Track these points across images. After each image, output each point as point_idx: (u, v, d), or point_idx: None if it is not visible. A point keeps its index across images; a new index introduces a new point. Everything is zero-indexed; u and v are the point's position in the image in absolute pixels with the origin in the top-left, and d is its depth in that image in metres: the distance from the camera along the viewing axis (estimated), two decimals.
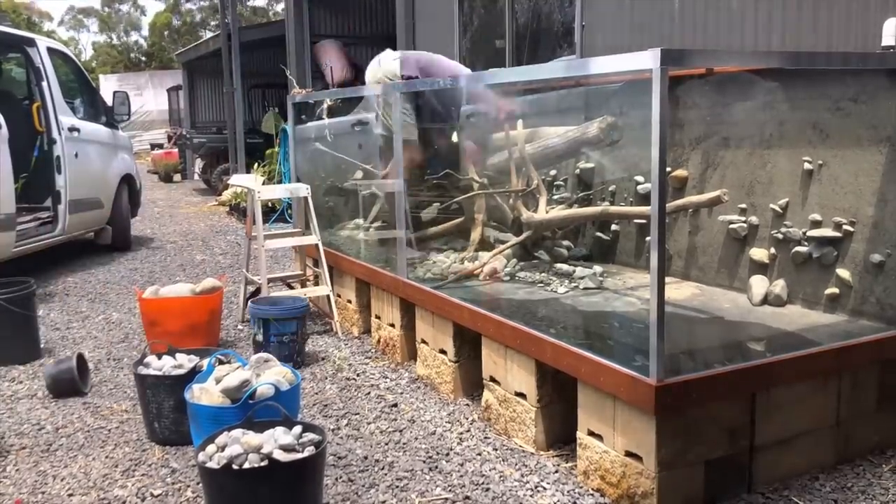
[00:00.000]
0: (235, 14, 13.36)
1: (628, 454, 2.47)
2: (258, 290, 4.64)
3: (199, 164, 15.59)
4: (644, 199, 3.84)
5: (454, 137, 4.73)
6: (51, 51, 6.89)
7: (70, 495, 2.68)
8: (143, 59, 46.16)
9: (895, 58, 3.20)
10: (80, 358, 3.70)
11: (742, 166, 3.53)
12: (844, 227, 3.07)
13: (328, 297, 4.61)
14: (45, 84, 6.54)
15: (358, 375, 3.81)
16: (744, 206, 3.49)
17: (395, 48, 9.03)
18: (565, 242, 4.26)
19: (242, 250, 7.69)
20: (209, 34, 28.65)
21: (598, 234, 4.25)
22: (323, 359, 4.09)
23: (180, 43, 37.39)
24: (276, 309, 3.99)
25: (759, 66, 3.27)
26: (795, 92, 3.29)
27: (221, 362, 3.03)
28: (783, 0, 3.84)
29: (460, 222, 4.43)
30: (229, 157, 13.10)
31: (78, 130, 6.80)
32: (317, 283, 5.12)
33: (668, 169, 3.64)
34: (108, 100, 7.98)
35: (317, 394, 3.56)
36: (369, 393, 3.52)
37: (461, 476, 2.71)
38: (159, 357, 3.25)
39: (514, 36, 6.68)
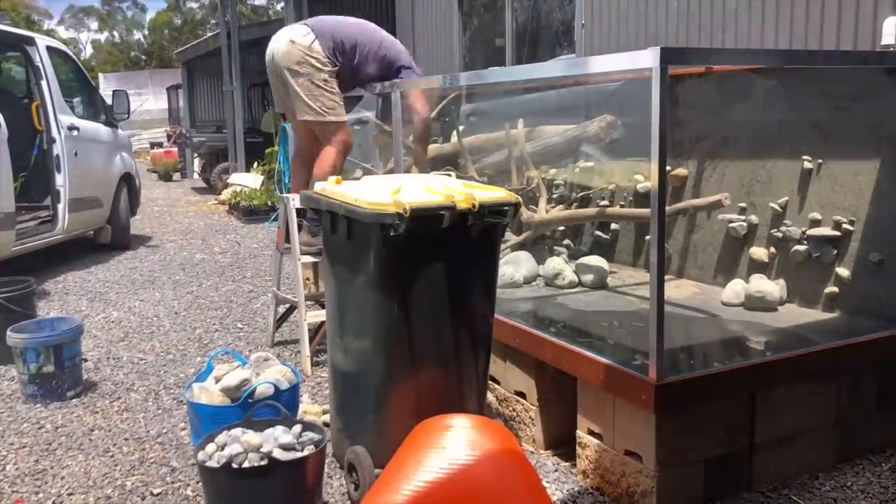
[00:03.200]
0: (235, 13, 13.36)
1: (628, 453, 2.47)
2: (291, 310, 4.27)
3: (198, 162, 15.59)
4: (644, 198, 3.84)
5: (454, 136, 4.73)
6: (50, 49, 6.89)
7: (70, 494, 2.68)
8: (143, 57, 46.17)
9: (895, 56, 3.20)
10: None
11: (742, 165, 3.53)
12: (844, 225, 3.08)
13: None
14: (44, 83, 6.54)
15: None
16: (743, 204, 3.49)
17: None
18: (565, 242, 4.26)
19: (240, 255, 7.69)
20: (209, 33, 28.67)
21: (598, 233, 4.25)
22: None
23: (180, 42, 37.40)
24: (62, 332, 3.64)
25: (759, 64, 3.27)
26: (795, 90, 3.29)
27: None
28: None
29: None
30: (229, 155, 13.11)
31: (77, 129, 6.80)
32: (315, 284, 5.11)
33: (668, 168, 3.64)
34: (108, 98, 7.98)
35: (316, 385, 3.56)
36: None
37: None
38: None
39: (514, 35, 6.68)
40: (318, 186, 2.76)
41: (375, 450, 2.47)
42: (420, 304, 2.44)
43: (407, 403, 2.48)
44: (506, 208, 2.50)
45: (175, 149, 17.46)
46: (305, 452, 2.38)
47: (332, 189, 2.64)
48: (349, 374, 2.66)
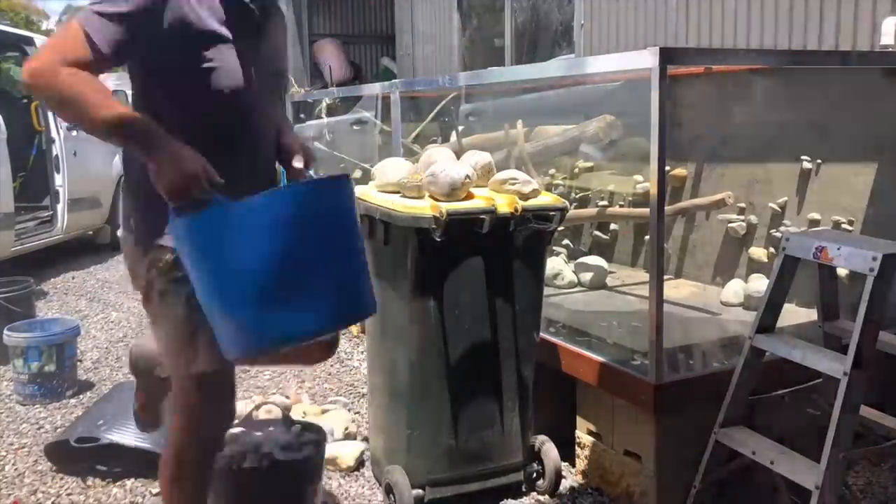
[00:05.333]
0: None
1: (627, 453, 2.46)
2: None
3: None
4: (643, 198, 3.84)
5: (453, 137, 4.73)
6: None
7: (69, 495, 2.67)
8: None
9: (894, 56, 3.20)
10: None
11: (741, 165, 3.53)
12: (843, 226, 3.07)
13: None
14: None
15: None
16: (742, 205, 3.49)
17: (393, 47, 9.04)
18: (564, 242, 4.26)
19: None
20: None
21: (597, 233, 4.24)
22: None
23: None
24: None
25: (759, 65, 3.26)
26: (794, 91, 3.29)
27: None
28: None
29: None
30: None
31: (76, 129, 6.79)
32: None
33: (668, 168, 3.64)
34: None
35: None
36: None
37: None
38: None
39: (514, 35, 6.68)
40: (358, 190, 2.64)
41: (413, 469, 2.40)
42: (458, 315, 2.34)
43: (444, 420, 2.40)
44: (552, 213, 2.37)
45: None
46: (305, 453, 2.38)
47: (371, 192, 2.55)
48: (385, 387, 2.57)
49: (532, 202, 2.38)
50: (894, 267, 1.94)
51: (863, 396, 2.04)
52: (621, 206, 4.06)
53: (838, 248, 2.03)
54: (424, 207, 2.26)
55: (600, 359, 2.55)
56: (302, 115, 5.91)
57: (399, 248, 2.35)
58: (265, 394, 3.49)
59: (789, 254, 2.18)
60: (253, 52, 1.78)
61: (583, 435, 2.66)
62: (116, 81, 7.41)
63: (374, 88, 4.78)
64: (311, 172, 1.95)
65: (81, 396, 3.61)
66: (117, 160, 7.72)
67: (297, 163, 1.87)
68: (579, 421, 2.67)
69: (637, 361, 2.49)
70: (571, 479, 2.68)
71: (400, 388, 2.45)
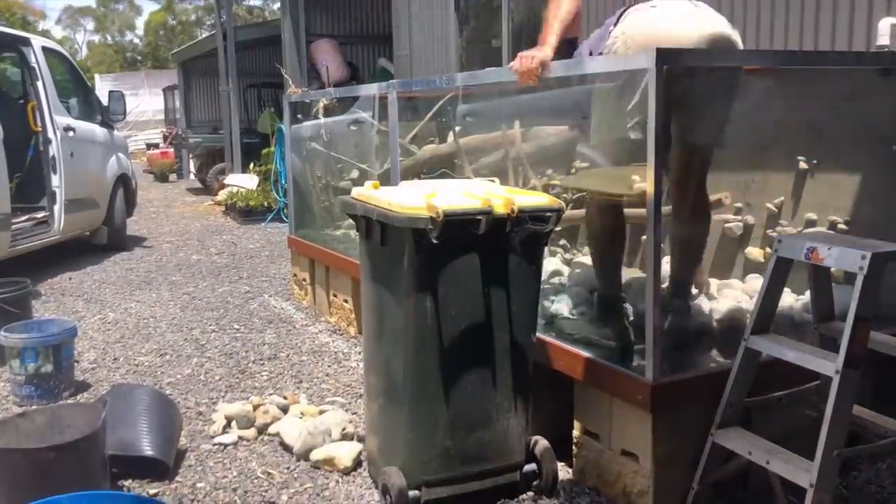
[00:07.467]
0: (231, 13, 13.35)
1: (624, 453, 2.47)
2: None
3: (194, 163, 15.54)
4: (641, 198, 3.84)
5: (450, 137, 4.73)
6: (46, 50, 6.87)
7: None
8: (139, 58, 46.11)
9: (890, 57, 3.21)
10: None
11: (738, 165, 3.53)
12: (839, 226, 3.08)
13: None
14: (40, 84, 6.52)
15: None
16: (739, 205, 3.49)
17: (390, 48, 9.04)
18: (562, 242, 4.26)
19: (237, 255, 7.66)
20: (205, 34, 28.62)
21: None
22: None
23: (175, 42, 37.36)
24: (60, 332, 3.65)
25: (755, 65, 3.26)
26: (791, 91, 3.30)
27: None
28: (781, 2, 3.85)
29: None
30: (225, 156, 13.09)
31: (73, 130, 6.78)
32: (312, 284, 5.12)
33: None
34: (104, 99, 7.96)
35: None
36: None
37: None
38: None
39: (511, 35, 6.69)
40: (355, 191, 2.65)
41: (409, 469, 2.40)
42: (455, 316, 2.34)
43: (440, 420, 2.39)
44: (548, 214, 2.38)
45: (171, 150, 17.41)
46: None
47: (368, 193, 2.55)
48: (382, 388, 2.56)
49: (528, 203, 2.39)
50: (884, 266, 1.95)
51: (856, 395, 2.04)
52: None
53: (829, 249, 2.04)
54: (421, 208, 2.27)
55: (598, 358, 2.55)
56: (299, 116, 5.90)
57: (396, 249, 2.35)
58: (262, 394, 3.49)
59: (781, 255, 2.19)
60: None
61: (580, 435, 2.66)
62: (114, 82, 7.41)
63: (371, 89, 4.78)
64: None
65: (78, 397, 3.60)
66: (113, 161, 7.72)
67: None
68: (576, 420, 2.68)
69: (634, 361, 2.50)
70: (568, 479, 2.69)
71: (396, 389, 2.43)
